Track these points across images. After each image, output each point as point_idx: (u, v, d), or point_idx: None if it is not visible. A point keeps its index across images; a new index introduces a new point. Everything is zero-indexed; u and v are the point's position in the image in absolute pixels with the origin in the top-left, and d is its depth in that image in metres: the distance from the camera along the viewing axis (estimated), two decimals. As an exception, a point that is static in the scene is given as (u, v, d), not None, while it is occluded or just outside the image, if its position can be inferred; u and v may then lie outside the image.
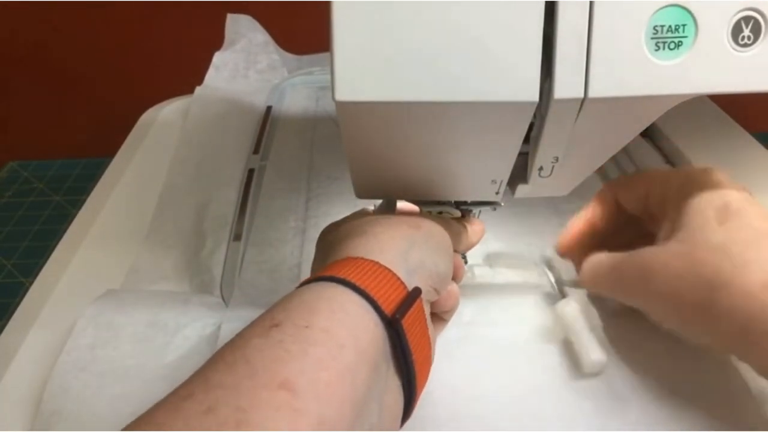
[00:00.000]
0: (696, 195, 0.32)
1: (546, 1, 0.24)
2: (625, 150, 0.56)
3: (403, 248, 0.31)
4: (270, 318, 0.25)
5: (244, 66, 0.70)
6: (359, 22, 0.24)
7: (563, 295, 0.39)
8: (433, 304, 0.33)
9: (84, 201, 0.54)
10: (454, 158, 0.31)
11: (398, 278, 0.28)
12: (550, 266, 0.41)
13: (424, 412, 0.33)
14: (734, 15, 0.25)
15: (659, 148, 0.56)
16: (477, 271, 0.44)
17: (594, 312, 0.36)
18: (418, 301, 0.28)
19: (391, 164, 0.32)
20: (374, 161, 0.32)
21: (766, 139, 0.54)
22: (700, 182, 0.33)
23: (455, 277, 0.35)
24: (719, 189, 0.32)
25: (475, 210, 0.40)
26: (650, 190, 0.35)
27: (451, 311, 0.36)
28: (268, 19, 0.73)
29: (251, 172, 0.55)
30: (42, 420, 0.33)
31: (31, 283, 0.45)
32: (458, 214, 0.39)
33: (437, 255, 0.32)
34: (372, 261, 0.29)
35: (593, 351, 0.35)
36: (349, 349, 0.24)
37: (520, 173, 0.33)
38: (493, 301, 0.40)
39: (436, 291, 0.32)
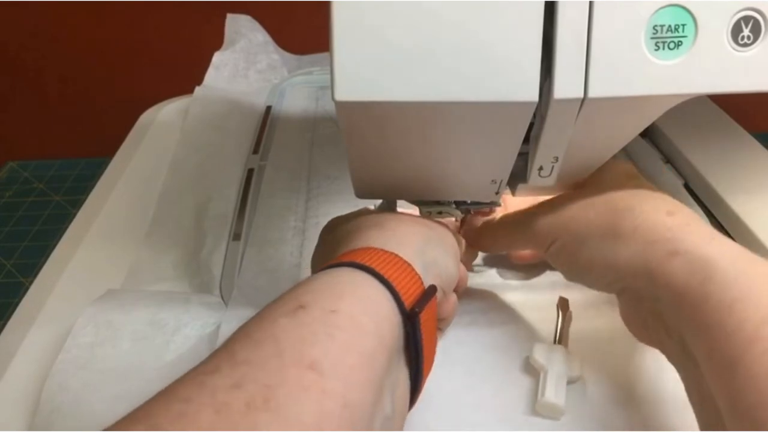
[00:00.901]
0: (609, 166, 0.34)
1: (546, 1, 0.24)
2: (625, 150, 0.56)
3: (419, 245, 0.31)
4: (295, 299, 0.25)
5: (244, 66, 0.70)
6: (359, 22, 0.24)
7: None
8: None
9: (84, 201, 0.54)
10: (454, 158, 0.31)
11: (417, 273, 0.29)
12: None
13: (422, 416, 0.33)
14: (734, 15, 0.25)
15: (659, 148, 0.56)
16: (477, 271, 0.44)
17: (576, 364, 0.35)
18: (434, 297, 0.29)
19: (391, 164, 0.32)
20: (374, 161, 0.32)
21: (766, 139, 0.54)
22: (612, 163, 0.35)
23: (457, 287, 0.35)
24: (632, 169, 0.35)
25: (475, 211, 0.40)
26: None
27: (447, 320, 0.36)
28: (268, 19, 0.73)
29: (251, 172, 0.55)
30: (41, 418, 0.33)
31: (31, 283, 0.45)
32: (459, 214, 0.39)
33: (448, 257, 0.32)
34: (392, 253, 0.29)
35: (549, 391, 0.33)
36: (371, 336, 0.24)
37: (520, 173, 0.33)
38: (492, 301, 0.40)
39: (444, 292, 0.32)
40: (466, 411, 0.33)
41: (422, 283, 0.29)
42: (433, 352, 0.30)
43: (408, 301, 0.27)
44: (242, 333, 0.24)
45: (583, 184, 0.35)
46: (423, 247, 0.31)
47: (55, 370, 0.35)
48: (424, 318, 0.27)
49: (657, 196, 0.31)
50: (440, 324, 0.36)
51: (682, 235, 0.28)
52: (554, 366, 0.34)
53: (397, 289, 0.27)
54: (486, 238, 0.39)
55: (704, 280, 0.27)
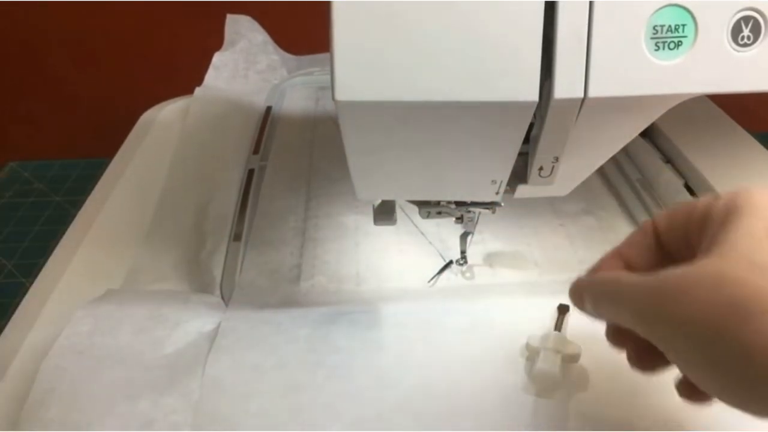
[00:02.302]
0: (746, 209, 0.26)
1: (546, 1, 0.24)
2: (625, 150, 0.56)
3: None
4: None
5: (244, 66, 0.70)
6: (359, 22, 0.24)
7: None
8: None
9: (84, 201, 0.54)
10: (454, 158, 0.31)
11: None
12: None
13: (424, 407, 0.33)
14: (734, 15, 0.25)
15: (659, 148, 0.56)
16: (477, 271, 0.44)
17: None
18: None
19: (391, 164, 0.32)
20: (374, 161, 0.32)
21: (766, 139, 0.54)
22: (752, 198, 0.26)
23: None
24: None
25: (475, 211, 0.40)
26: (691, 215, 0.28)
27: None
28: (268, 19, 0.73)
29: (251, 172, 0.55)
30: (34, 397, 0.33)
31: (31, 283, 0.45)
32: (458, 214, 0.39)
33: None
34: None
35: (544, 363, 0.34)
36: None
37: (520, 173, 0.33)
38: (492, 301, 0.40)
39: None
40: (467, 400, 0.34)
41: None
42: None
43: None
44: None
45: (703, 241, 0.26)
46: None
47: (52, 353, 0.35)
48: None
49: None
50: None
51: None
52: (548, 345, 0.35)
53: None
54: (599, 304, 0.28)
55: None
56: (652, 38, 0.25)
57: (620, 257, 0.30)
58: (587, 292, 0.29)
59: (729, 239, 0.25)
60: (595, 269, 0.30)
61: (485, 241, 0.46)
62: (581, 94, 0.26)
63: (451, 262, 0.44)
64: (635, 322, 0.26)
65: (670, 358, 0.26)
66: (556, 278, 0.41)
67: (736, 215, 0.25)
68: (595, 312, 0.29)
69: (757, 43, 0.26)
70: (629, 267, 0.30)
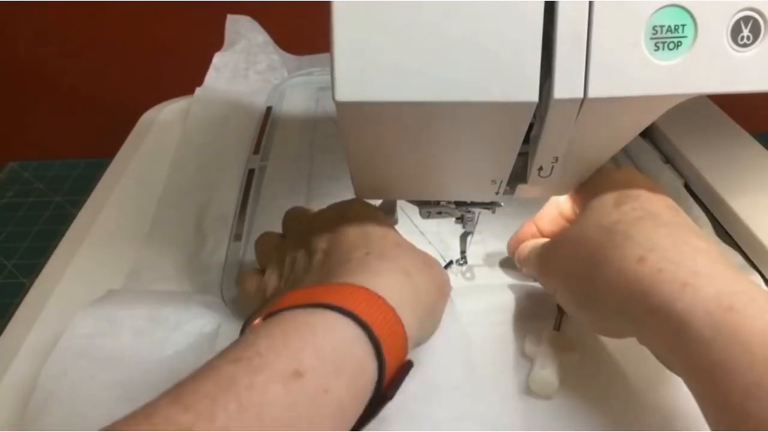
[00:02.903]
0: (601, 184, 0.33)
1: (546, 1, 0.24)
2: (625, 150, 0.56)
3: (425, 303, 0.31)
4: (295, 359, 0.23)
5: (244, 67, 0.70)
6: (359, 23, 0.24)
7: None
8: None
9: (84, 201, 0.54)
10: (454, 158, 0.31)
11: (405, 341, 0.27)
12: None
13: (426, 411, 0.33)
14: (734, 15, 0.25)
15: (659, 148, 0.56)
16: (477, 271, 0.44)
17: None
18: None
19: (391, 164, 0.32)
20: (374, 161, 0.32)
21: (766, 139, 0.54)
22: (609, 176, 0.34)
23: None
24: (626, 180, 0.33)
25: (475, 211, 0.40)
26: (579, 193, 0.36)
27: None
28: (268, 19, 0.73)
29: (251, 172, 0.55)
30: (35, 403, 0.33)
31: (31, 283, 0.45)
32: (458, 214, 0.39)
33: (435, 318, 0.33)
34: (395, 314, 0.27)
35: (542, 367, 0.34)
36: (347, 420, 0.24)
37: (520, 173, 0.33)
38: (492, 301, 0.40)
39: None
40: (467, 401, 0.34)
41: (406, 351, 0.28)
42: None
43: (387, 378, 0.26)
44: (224, 383, 0.22)
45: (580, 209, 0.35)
46: (423, 301, 0.30)
47: (53, 357, 0.35)
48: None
49: (634, 234, 0.29)
50: None
51: (655, 287, 0.27)
52: (544, 347, 0.35)
53: (386, 365, 0.26)
54: (524, 267, 0.40)
55: (682, 343, 0.26)
56: (651, 38, 0.25)
57: (534, 225, 0.40)
58: (517, 257, 0.40)
59: (588, 208, 0.33)
60: (516, 235, 0.41)
61: (485, 241, 0.46)
62: (581, 94, 0.26)
63: (451, 262, 0.44)
64: (537, 275, 0.37)
65: (557, 300, 0.34)
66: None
67: (598, 190, 0.33)
68: (524, 270, 0.40)
69: (757, 43, 0.26)
70: (541, 231, 0.40)
